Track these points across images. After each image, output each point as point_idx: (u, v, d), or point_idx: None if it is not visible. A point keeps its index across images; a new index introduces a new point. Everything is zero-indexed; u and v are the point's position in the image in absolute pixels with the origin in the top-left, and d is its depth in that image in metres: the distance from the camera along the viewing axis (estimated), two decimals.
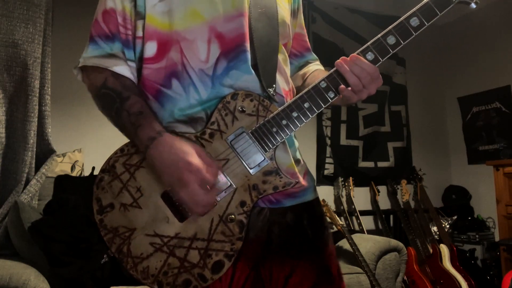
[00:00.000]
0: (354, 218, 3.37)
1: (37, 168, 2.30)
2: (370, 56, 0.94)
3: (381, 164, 3.88)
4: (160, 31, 0.97)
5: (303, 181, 1.02)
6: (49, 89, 2.41)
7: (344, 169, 3.68)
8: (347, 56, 0.95)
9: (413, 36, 0.94)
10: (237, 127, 0.95)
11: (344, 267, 2.48)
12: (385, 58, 0.95)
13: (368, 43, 0.95)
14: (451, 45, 4.20)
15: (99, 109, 1.00)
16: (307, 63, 1.23)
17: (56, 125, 2.54)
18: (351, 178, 3.54)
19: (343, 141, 3.75)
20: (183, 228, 0.92)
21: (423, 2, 0.94)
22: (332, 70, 0.97)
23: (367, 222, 3.56)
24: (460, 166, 4.09)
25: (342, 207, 3.43)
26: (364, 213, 3.52)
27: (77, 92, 2.67)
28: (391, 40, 0.94)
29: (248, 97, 0.96)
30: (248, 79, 0.96)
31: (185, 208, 0.92)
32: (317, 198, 1.09)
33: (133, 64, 1.00)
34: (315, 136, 3.65)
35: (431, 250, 3.21)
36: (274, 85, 0.99)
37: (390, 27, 0.94)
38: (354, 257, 2.49)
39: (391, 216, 3.69)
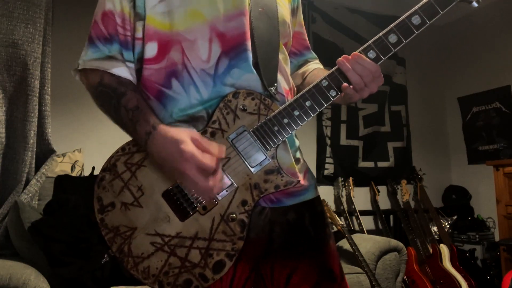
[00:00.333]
0: (354, 218, 3.37)
1: (37, 168, 2.30)
2: (371, 54, 0.94)
3: (381, 164, 3.88)
4: (160, 32, 0.97)
5: (303, 181, 1.02)
6: (49, 89, 2.41)
7: (344, 169, 3.67)
8: None
9: (415, 34, 0.94)
10: (238, 125, 0.94)
11: (344, 267, 2.47)
12: (387, 56, 0.94)
13: (370, 41, 0.94)
14: (451, 45, 4.20)
15: (100, 108, 1.00)
16: (306, 61, 1.23)
17: (56, 125, 2.54)
18: (351, 178, 3.54)
19: (343, 141, 3.74)
20: (184, 227, 0.92)
21: (424, 0, 0.93)
22: (333, 69, 0.96)
23: (367, 222, 3.55)
24: (460, 166, 4.09)
25: (342, 207, 3.42)
26: (364, 213, 3.51)
27: (77, 92, 2.66)
28: (392, 38, 0.93)
29: (249, 95, 0.95)
30: (249, 78, 0.96)
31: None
32: (318, 197, 1.09)
33: (132, 65, 1.00)
34: (315, 136, 3.64)
35: (431, 250, 3.20)
36: (275, 84, 0.99)
37: (392, 25, 0.94)
38: (354, 257, 2.48)
39: (391, 216, 3.68)
